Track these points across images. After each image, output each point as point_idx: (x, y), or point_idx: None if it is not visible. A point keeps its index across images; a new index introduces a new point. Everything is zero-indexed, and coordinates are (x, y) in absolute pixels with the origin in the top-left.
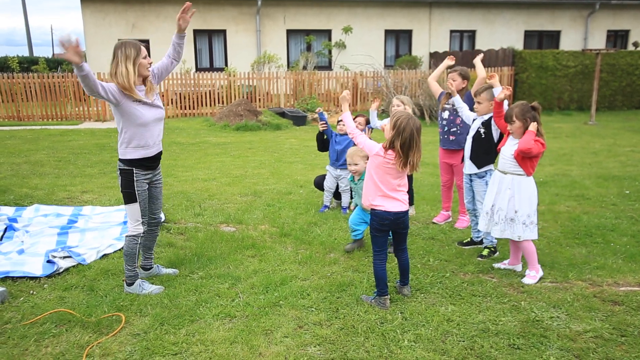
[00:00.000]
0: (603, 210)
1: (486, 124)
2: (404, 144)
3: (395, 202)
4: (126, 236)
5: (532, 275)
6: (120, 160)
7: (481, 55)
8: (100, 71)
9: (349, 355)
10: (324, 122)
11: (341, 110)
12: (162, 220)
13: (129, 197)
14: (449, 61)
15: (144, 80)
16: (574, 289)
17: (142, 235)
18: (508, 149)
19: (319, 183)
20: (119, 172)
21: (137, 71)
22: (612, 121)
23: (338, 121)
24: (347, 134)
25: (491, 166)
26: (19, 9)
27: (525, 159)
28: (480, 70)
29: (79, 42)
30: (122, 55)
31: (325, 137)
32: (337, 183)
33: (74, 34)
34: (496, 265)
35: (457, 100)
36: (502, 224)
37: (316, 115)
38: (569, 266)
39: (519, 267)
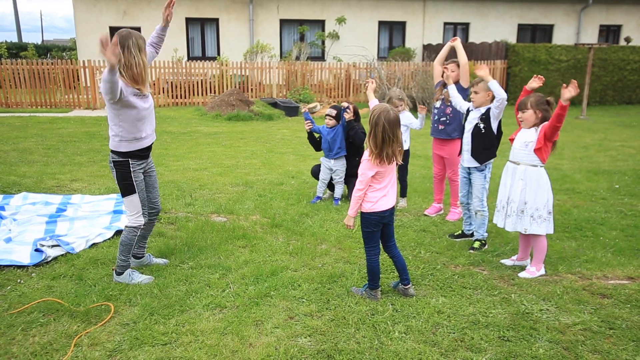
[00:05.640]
0: (593, 204)
1: (484, 119)
2: (377, 137)
3: (390, 196)
4: (126, 226)
5: (532, 271)
6: (113, 152)
7: (457, 40)
8: (91, 59)
9: (340, 346)
10: (309, 121)
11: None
12: (160, 209)
13: (127, 188)
14: (451, 43)
15: None
16: (564, 282)
17: (142, 227)
18: (520, 139)
19: (316, 172)
20: (112, 165)
21: None
22: (603, 116)
23: (326, 115)
24: (333, 128)
25: (492, 160)
26: None
27: (541, 146)
28: (461, 54)
29: (117, 43)
30: (135, 46)
31: (317, 135)
32: (332, 175)
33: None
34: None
35: (452, 89)
36: (514, 216)
37: (306, 108)
38: (559, 259)
39: (527, 263)
